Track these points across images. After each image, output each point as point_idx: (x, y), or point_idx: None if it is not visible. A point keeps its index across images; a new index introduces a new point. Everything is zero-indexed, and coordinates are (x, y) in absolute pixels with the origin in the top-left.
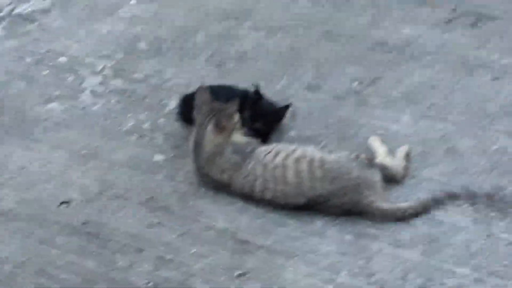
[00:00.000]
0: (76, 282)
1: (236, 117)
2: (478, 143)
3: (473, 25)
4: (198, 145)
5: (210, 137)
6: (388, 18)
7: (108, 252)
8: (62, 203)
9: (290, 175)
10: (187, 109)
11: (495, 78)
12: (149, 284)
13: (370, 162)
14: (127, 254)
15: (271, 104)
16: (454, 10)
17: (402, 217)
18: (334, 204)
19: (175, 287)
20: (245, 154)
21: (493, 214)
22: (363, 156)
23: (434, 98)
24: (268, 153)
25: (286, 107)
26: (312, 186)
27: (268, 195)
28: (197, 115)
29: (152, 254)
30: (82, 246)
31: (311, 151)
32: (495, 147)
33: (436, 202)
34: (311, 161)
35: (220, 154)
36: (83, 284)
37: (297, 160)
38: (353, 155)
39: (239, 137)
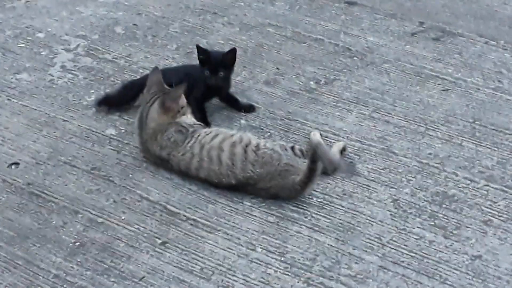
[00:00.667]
0: (10, 236)
1: (182, 100)
2: (413, 147)
3: (436, 39)
4: (142, 122)
5: (154, 115)
6: (356, 26)
7: (45, 212)
8: (12, 164)
9: (225, 156)
10: (122, 93)
11: (444, 90)
12: (76, 243)
13: (303, 153)
14: (63, 215)
15: (219, 52)
16: (421, 23)
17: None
18: (262, 187)
19: (98, 247)
20: (186, 134)
21: (411, 210)
22: (297, 147)
23: (382, 102)
24: (207, 134)
25: (233, 50)
26: (243, 168)
27: (203, 173)
28: (146, 94)
29: (85, 216)
30: (23, 204)
31: (249, 137)
32: (428, 151)
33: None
34: (246, 146)
35: (162, 131)
36: (15, 238)
37: (233, 144)
38: (288, 145)
39: (186, 119)
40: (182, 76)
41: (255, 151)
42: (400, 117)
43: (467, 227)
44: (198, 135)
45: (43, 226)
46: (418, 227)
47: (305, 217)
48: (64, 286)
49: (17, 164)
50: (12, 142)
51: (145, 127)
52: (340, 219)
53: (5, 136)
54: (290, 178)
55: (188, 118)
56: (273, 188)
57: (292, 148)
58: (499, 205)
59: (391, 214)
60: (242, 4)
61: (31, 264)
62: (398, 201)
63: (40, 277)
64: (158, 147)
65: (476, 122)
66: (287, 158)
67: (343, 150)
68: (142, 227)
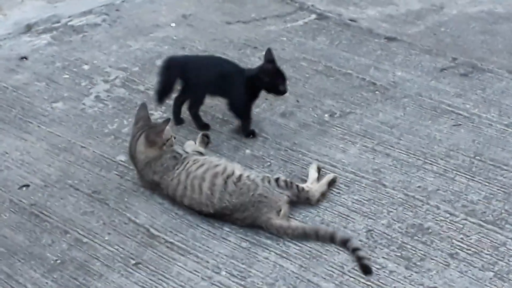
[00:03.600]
0: (0, 252)
1: (166, 134)
2: (405, 179)
3: (464, 75)
4: (132, 155)
5: (141, 148)
6: (389, 62)
7: (39, 231)
8: (23, 186)
9: (205, 186)
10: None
11: (455, 125)
12: (57, 261)
13: (287, 185)
14: (53, 234)
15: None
16: (454, 59)
17: (292, 235)
18: (238, 217)
19: (76, 265)
20: (178, 161)
21: (381, 241)
22: (282, 178)
23: (388, 135)
24: (195, 163)
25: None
26: (221, 198)
27: (186, 201)
28: (134, 128)
29: (73, 236)
30: (21, 223)
31: (233, 168)
32: (417, 184)
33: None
34: (228, 177)
35: (156, 159)
36: (4, 254)
37: (215, 175)
38: (273, 177)
39: (186, 146)
40: (215, 73)
41: (235, 182)
42: (401, 150)
43: (432, 259)
44: (187, 163)
45: (33, 244)
46: (383, 257)
47: (277, 244)
48: None
49: (27, 186)
50: (29, 165)
51: (136, 160)
52: (310, 247)
53: (24, 159)
54: (264, 211)
55: (188, 146)
56: (247, 219)
57: (277, 180)
58: (470, 239)
59: (361, 244)
60: (285, 39)
61: (11, 279)
62: (372, 232)
63: None
64: (152, 172)
65: (476, 157)
66: (264, 189)
67: (332, 182)
68: (121, 248)
